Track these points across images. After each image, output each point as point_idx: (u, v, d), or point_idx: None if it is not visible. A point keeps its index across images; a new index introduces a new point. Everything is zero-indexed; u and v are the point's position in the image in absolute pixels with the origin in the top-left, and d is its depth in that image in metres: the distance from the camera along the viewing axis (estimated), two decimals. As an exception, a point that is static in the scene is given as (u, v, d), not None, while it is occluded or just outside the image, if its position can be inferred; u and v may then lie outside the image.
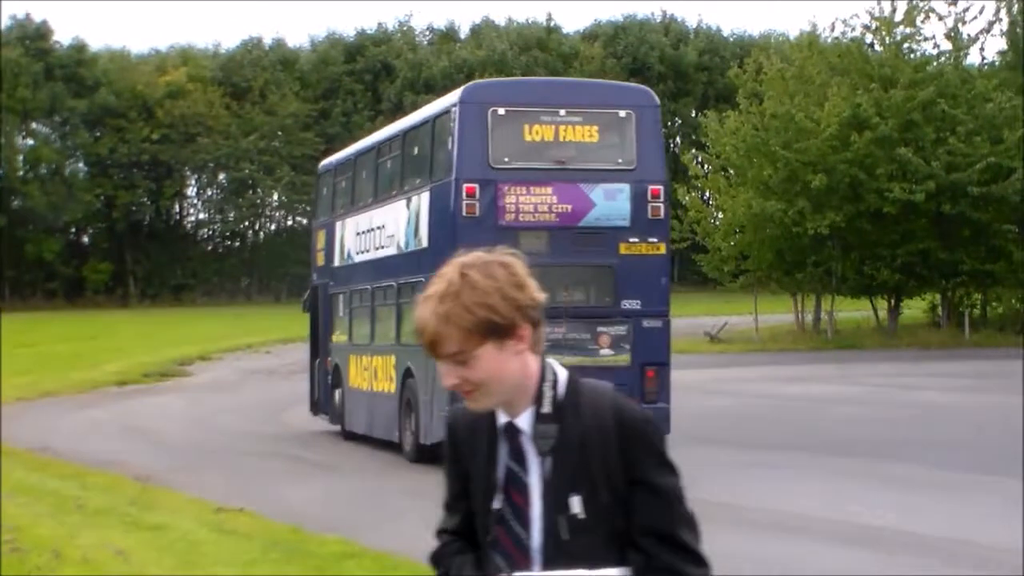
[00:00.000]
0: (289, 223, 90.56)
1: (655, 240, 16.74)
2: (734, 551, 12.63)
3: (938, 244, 45.04)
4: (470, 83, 18.85)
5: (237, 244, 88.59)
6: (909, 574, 11.59)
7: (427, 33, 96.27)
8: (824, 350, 43.02)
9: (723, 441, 20.85)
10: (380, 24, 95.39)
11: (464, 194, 16.17)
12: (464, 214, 16.18)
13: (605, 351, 16.47)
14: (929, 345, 43.62)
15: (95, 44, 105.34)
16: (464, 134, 16.37)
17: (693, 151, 54.98)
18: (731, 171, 48.15)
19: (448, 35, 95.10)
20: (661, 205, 16.89)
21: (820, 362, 38.20)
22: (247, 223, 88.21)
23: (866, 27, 47.23)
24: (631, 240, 16.57)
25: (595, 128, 16.84)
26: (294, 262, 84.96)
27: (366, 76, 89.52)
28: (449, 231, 16.40)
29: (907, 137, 44.10)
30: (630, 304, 16.58)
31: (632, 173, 16.78)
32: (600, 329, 16.51)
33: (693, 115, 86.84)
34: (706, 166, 51.18)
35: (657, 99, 17.88)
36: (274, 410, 25.93)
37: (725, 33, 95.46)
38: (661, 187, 16.96)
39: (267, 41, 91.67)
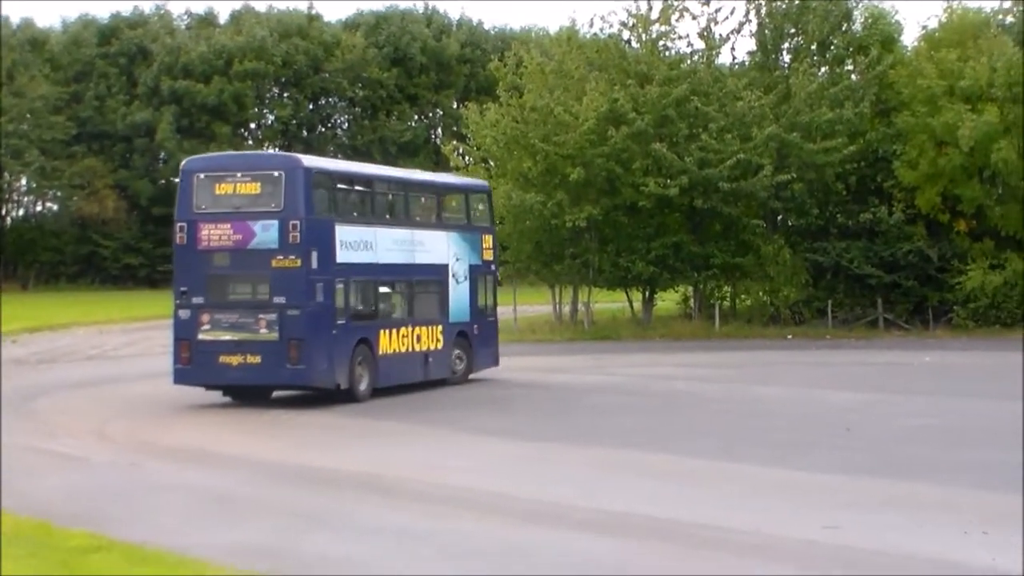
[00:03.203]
0: (39, 208, 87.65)
1: (294, 257, 23.74)
2: (490, 541, 12.79)
3: (691, 238, 46.37)
4: (188, 158, 26.77)
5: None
6: (657, 560, 11.92)
7: (185, 17, 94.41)
8: (581, 341, 43.83)
9: (478, 429, 21.10)
10: (136, 7, 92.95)
11: (178, 230, 24.75)
12: (177, 242, 24.87)
13: (263, 330, 23.86)
14: (681, 336, 44.88)
15: None
16: (181, 191, 24.95)
17: (454, 143, 55.22)
18: (492, 163, 48.53)
19: (207, 20, 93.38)
20: (299, 234, 23.73)
21: (577, 352, 38.92)
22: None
23: (624, 24, 48.21)
24: (279, 257, 23.76)
25: (258, 184, 24.37)
26: (43, 249, 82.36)
27: (121, 59, 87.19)
28: (173, 252, 25.76)
29: (662, 133, 45.22)
30: (279, 299, 23.84)
31: (280, 213, 23.92)
32: (260, 315, 23.95)
33: (455, 106, 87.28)
34: (467, 158, 51.39)
35: (303, 162, 24.91)
36: (22, 400, 25.17)
37: (487, 26, 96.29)
38: (299, 222, 23.74)
39: (15, 20, 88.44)
